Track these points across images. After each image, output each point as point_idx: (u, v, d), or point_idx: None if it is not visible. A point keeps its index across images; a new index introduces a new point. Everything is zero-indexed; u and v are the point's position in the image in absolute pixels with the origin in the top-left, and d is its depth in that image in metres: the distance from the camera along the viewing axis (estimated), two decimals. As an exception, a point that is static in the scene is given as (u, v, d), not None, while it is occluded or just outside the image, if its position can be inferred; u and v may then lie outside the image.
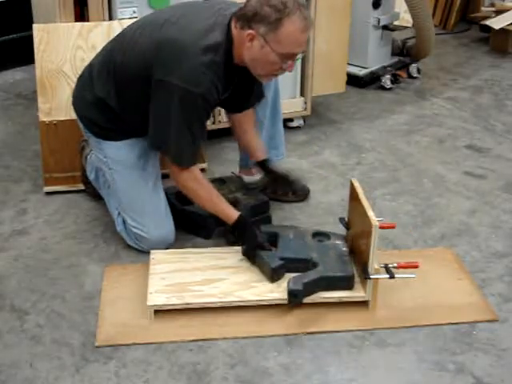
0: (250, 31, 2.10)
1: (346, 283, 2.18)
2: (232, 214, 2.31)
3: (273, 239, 2.33)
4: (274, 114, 2.71)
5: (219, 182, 2.68)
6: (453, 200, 2.87)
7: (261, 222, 2.55)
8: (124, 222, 2.47)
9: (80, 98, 2.47)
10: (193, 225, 2.57)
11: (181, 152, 2.24)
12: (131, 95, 2.30)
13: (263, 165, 2.65)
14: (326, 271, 2.18)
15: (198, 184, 2.30)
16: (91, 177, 2.68)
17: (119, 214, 2.49)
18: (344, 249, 2.31)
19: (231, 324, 2.11)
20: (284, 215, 2.71)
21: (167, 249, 2.42)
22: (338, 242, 2.34)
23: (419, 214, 2.76)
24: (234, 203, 2.49)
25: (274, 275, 2.20)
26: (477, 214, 2.76)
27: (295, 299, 2.12)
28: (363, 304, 2.17)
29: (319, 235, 2.39)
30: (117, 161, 2.41)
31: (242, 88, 2.40)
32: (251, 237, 2.29)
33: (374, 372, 1.96)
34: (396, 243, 2.55)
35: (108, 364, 1.96)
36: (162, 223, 2.43)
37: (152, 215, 2.41)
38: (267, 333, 2.08)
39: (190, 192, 2.33)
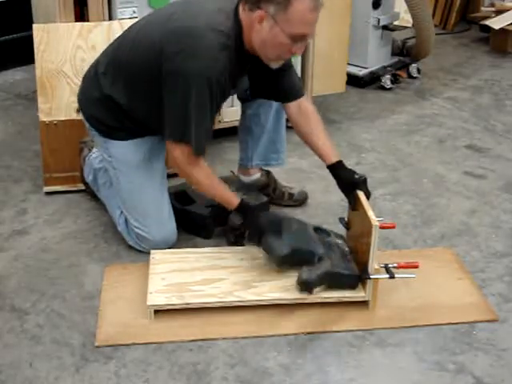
0: (259, 11, 2.07)
1: (352, 282, 2.18)
2: (234, 199, 2.28)
3: (276, 228, 2.25)
4: (278, 119, 2.67)
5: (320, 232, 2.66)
6: (453, 200, 2.87)
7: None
8: (126, 221, 2.47)
9: (86, 96, 2.44)
10: (193, 225, 2.57)
11: (199, 141, 2.18)
12: (140, 92, 2.28)
13: (332, 169, 2.39)
14: (335, 267, 2.17)
15: (202, 170, 2.26)
16: (89, 178, 2.67)
17: (121, 213, 2.49)
18: (346, 248, 2.29)
19: (231, 324, 2.11)
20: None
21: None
22: (339, 241, 2.33)
23: (419, 214, 2.76)
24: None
25: (281, 263, 2.20)
26: (477, 214, 2.76)
27: (306, 288, 2.13)
28: (363, 304, 2.17)
29: (320, 231, 2.36)
30: (122, 161, 2.40)
31: (264, 73, 2.33)
32: (254, 220, 2.25)
33: (374, 372, 1.96)
34: (396, 243, 2.55)
35: (108, 364, 1.96)
36: (165, 224, 2.43)
37: (155, 216, 2.41)
38: (267, 333, 2.08)
39: (193, 178, 2.29)
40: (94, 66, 2.43)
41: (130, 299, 2.21)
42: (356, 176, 2.31)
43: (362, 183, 2.29)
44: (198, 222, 2.55)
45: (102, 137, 2.42)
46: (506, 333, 2.10)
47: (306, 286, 2.12)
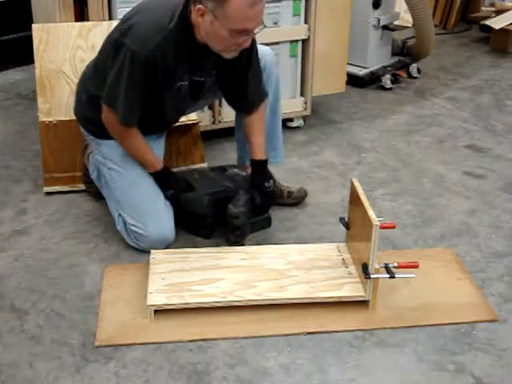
0: (200, 6, 2.10)
1: (266, 199, 2.47)
2: (158, 162, 2.43)
3: (187, 185, 2.53)
4: (273, 115, 2.68)
5: (221, 170, 2.69)
6: (453, 200, 2.87)
7: (261, 223, 2.56)
8: (124, 221, 2.47)
9: (78, 98, 2.54)
10: (192, 225, 2.57)
11: (124, 110, 2.26)
12: None
13: (253, 165, 2.49)
14: (248, 193, 2.43)
15: (130, 136, 2.36)
16: (93, 175, 2.68)
17: (124, 225, 2.49)
18: (244, 173, 2.55)
19: (231, 324, 2.11)
20: (284, 215, 2.71)
21: (167, 248, 2.42)
22: (235, 170, 2.56)
23: (419, 214, 2.76)
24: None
25: (207, 208, 2.44)
26: (477, 214, 2.76)
27: (238, 221, 2.38)
28: (363, 304, 2.17)
29: (216, 169, 2.63)
30: (114, 160, 2.43)
31: (229, 79, 2.41)
32: (176, 182, 2.46)
33: (374, 372, 1.96)
34: (396, 243, 2.55)
35: (108, 364, 1.96)
36: (161, 222, 2.43)
37: (150, 214, 2.41)
38: (267, 333, 2.08)
39: (122, 142, 2.39)
40: (84, 69, 2.53)
41: (130, 299, 2.21)
42: (266, 184, 2.44)
43: (264, 192, 2.43)
44: (197, 221, 2.55)
45: (94, 138, 2.49)
46: (505, 333, 2.10)
47: (235, 219, 2.38)
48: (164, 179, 2.45)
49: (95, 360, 1.98)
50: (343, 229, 2.40)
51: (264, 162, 2.48)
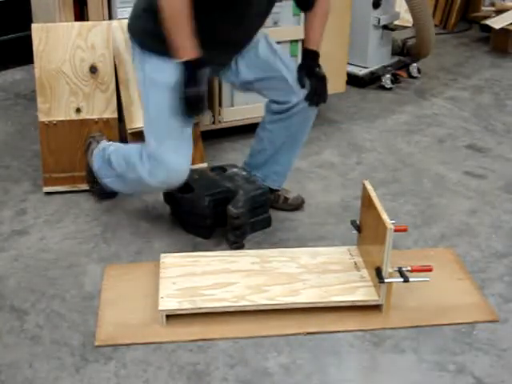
0: None
1: (267, 196, 2.57)
2: (195, 49, 2.18)
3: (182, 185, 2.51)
4: (292, 146, 2.62)
5: (221, 170, 2.69)
6: (453, 200, 2.87)
7: (261, 223, 2.56)
8: (140, 156, 2.38)
9: (135, 10, 2.43)
10: (192, 225, 2.57)
11: None
12: None
13: (305, 53, 2.49)
14: (249, 193, 2.49)
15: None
16: (98, 164, 2.61)
17: (135, 152, 2.41)
18: (244, 172, 2.62)
19: (231, 324, 2.11)
20: (284, 215, 2.71)
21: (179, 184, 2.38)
22: (235, 170, 2.60)
23: (419, 214, 2.76)
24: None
25: (207, 209, 2.48)
26: (477, 214, 2.76)
27: (238, 221, 2.41)
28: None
29: (216, 169, 2.67)
30: (155, 81, 2.34)
31: None
32: (205, 77, 2.23)
33: (374, 372, 1.96)
34: (396, 243, 2.52)
35: (108, 364, 1.96)
36: (181, 149, 2.34)
37: (174, 140, 2.32)
38: (267, 333, 2.08)
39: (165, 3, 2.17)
40: None
41: (130, 299, 2.21)
42: (317, 69, 2.43)
43: (317, 77, 2.40)
44: (197, 221, 2.55)
45: (142, 52, 2.38)
46: (506, 333, 2.10)
47: (235, 219, 2.40)
48: (194, 72, 2.19)
49: (95, 360, 1.98)
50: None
51: (317, 54, 2.46)
